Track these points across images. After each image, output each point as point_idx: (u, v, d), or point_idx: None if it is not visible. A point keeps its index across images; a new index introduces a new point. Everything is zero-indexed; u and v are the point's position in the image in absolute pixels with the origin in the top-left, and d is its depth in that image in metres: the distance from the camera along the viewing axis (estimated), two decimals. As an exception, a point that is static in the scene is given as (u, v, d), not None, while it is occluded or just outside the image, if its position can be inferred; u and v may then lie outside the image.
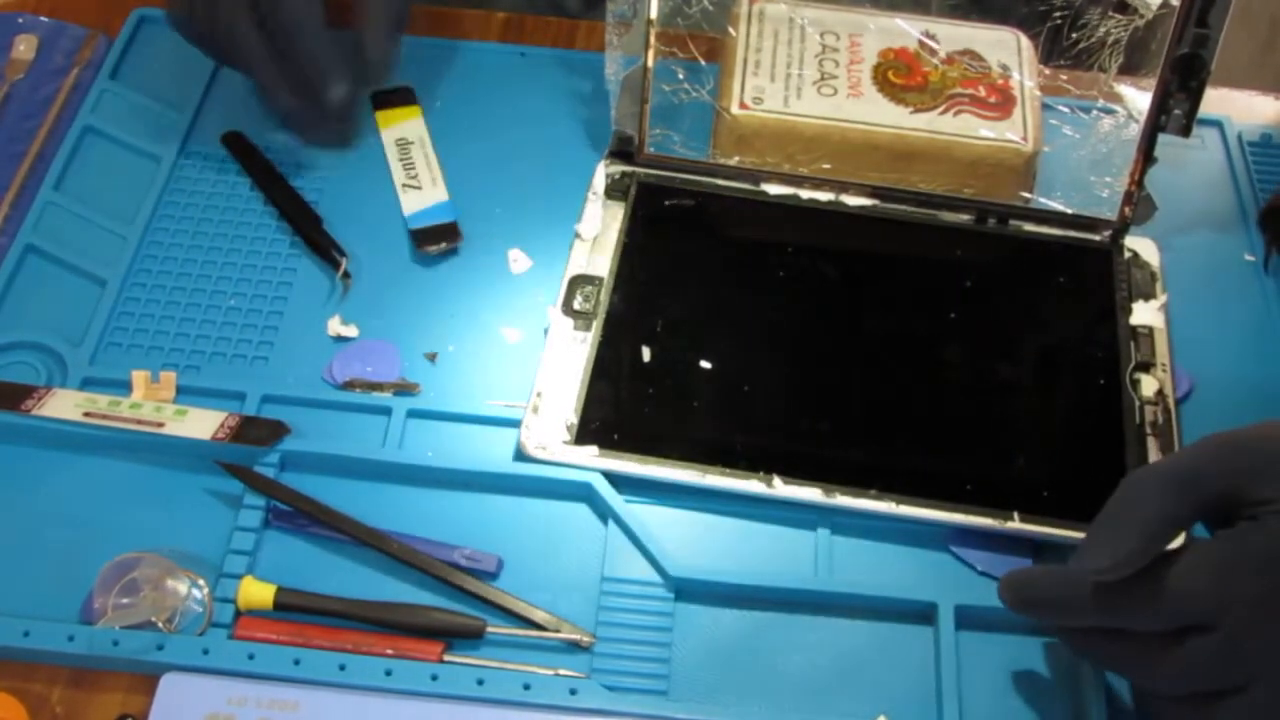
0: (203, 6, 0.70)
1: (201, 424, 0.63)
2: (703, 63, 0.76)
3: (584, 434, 0.64)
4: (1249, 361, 0.69)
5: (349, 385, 0.67)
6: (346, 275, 0.70)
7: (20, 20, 0.82)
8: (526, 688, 0.57)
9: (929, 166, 0.73)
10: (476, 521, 0.63)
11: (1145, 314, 0.69)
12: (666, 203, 0.73)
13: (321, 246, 0.71)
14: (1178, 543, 0.52)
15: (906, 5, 0.78)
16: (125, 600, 0.59)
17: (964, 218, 0.73)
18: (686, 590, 0.61)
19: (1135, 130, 0.70)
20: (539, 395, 0.65)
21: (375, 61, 0.72)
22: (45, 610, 0.59)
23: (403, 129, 0.78)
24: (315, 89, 0.71)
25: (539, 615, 0.59)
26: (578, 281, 0.69)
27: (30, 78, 0.79)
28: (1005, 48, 0.76)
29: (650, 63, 0.71)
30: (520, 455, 0.63)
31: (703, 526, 0.63)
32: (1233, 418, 0.66)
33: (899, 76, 0.75)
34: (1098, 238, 0.72)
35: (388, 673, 0.57)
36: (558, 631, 0.59)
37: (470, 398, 0.66)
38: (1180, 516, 0.51)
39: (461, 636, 0.59)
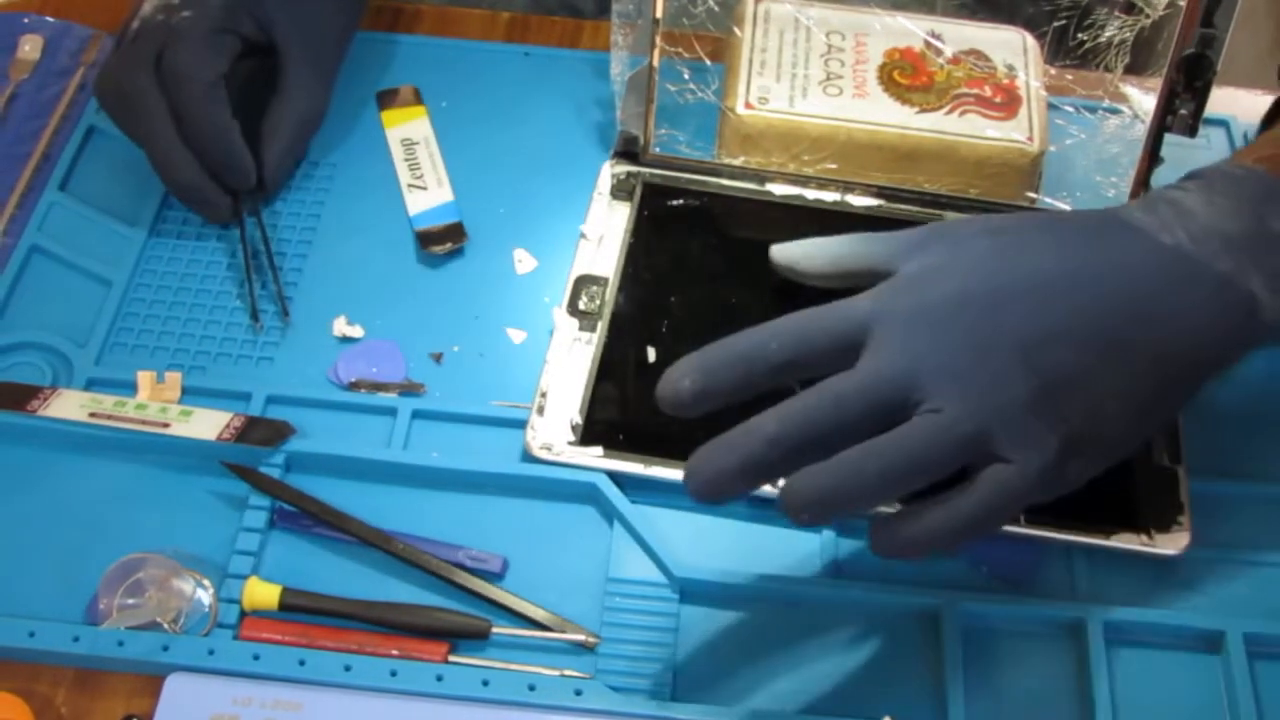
0: (114, 71, 0.70)
1: (207, 424, 0.63)
2: (708, 62, 0.76)
3: (589, 434, 0.64)
4: (1248, 361, 0.69)
5: (354, 386, 0.67)
6: (256, 318, 0.69)
7: (25, 20, 0.82)
8: (531, 688, 0.57)
9: (934, 167, 0.73)
10: (481, 522, 0.63)
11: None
12: (672, 203, 0.73)
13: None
14: None
15: (912, 5, 0.78)
16: (130, 601, 0.59)
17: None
18: (691, 591, 0.61)
19: (1141, 130, 0.70)
20: (544, 396, 0.65)
21: (268, 179, 0.72)
22: (50, 611, 0.59)
23: (408, 129, 0.78)
24: (210, 173, 0.70)
25: (544, 616, 0.59)
26: (583, 282, 0.69)
27: (35, 78, 0.80)
28: (1011, 48, 0.76)
29: (655, 62, 0.71)
30: (525, 456, 0.63)
31: (707, 527, 0.63)
32: (1232, 417, 0.67)
33: (904, 76, 0.74)
34: (1103, 238, 0.72)
35: (393, 673, 0.57)
36: (563, 632, 0.59)
37: (475, 398, 0.66)
38: None
39: (466, 637, 0.59)
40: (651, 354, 0.67)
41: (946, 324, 0.54)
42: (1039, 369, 0.54)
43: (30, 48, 0.81)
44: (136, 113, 0.69)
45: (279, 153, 0.72)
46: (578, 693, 0.57)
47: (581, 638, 0.59)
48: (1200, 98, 0.68)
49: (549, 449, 0.63)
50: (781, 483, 0.53)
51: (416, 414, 0.66)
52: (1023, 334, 0.54)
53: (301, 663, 0.57)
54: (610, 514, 0.62)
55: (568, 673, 0.58)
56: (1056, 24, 0.74)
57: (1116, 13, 0.71)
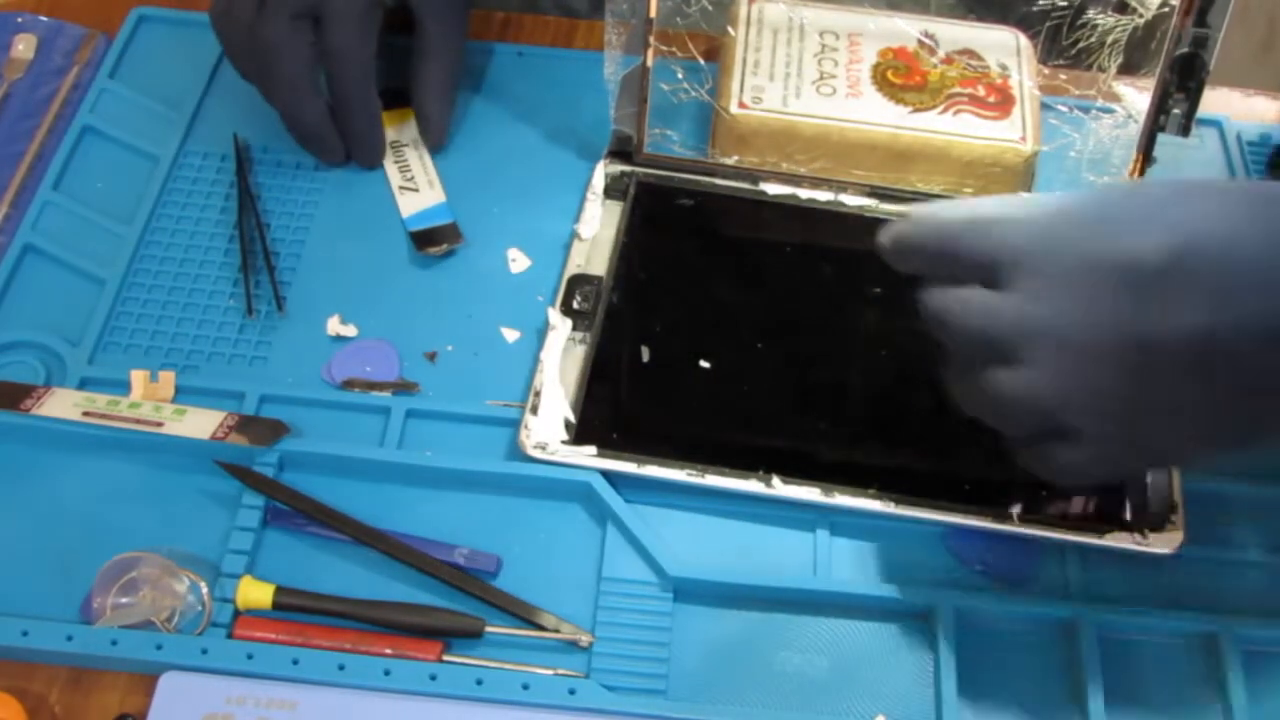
0: (245, 12, 0.71)
1: (200, 423, 0.63)
2: (702, 62, 0.76)
3: (582, 434, 0.64)
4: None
5: (348, 385, 0.67)
6: (251, 310, 0.69)
7: (19, 20, 0.82)
8: (525, 687, 0.57)
9: (928, 166, 0.73)
10: (475, 521, 0.63)
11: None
12: (665, 202, 0.73)
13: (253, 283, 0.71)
14: None
15: (906, 5, 0.78)
16: (124, 600, 0.59)
17: (963, 217, 0.73)
18: (685, 590, 0.61)
19: (1134, 130, 0.70)
20: (537, 395, 0.65)
21: (436, 134, 0.77)
22: (44, 610, 0.59)
23: (397, 131, 0.77)
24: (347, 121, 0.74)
25: (538, 615, 0.59)
26: (576, 281, 0.69)
27: (29, 77, 0.79)
28: (1004, 47, 0.76)
29: (649, 62, 0.71)
30: (519, 455, 0.63)
31: (701, 526, 0.63)
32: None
33: (898, 76, 0.75)
34: (1097, 237, 0.72)
35: (386, 672, 0.57)
36: (557, 631, 0.59)
37: (469, 397, 0.66)
38: None
39: (460, 636, 0.59)
40: (645, 353, 0.67)
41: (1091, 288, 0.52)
42: (1223, 366, 0.50)
43: (24, 47, 0.81)
44: (273, 58, 0.71)
45: (440, 112, 0.76)
46: (572, 692, 0.57)
47: (576, 637, 0.59)
48: (1193, 97, 0.68)
49: (543, 448, 0.63)
50: None
51: (410, 413, 0.66)
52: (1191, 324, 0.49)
53: (295, 662, 0.57)
54: (604, 513, 0.62)
55: (562, 672, 0.58)
56: (1050, 24, 0.74)
57: (1110, 12, 0.71)
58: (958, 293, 0.55)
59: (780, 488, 0.62)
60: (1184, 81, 0.67)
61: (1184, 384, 0.50)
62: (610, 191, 0.73)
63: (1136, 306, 0.50)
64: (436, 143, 0.77)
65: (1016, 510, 0.61)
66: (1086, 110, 0.74)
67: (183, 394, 0.66)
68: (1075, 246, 0.52)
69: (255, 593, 0.59)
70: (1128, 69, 0.72)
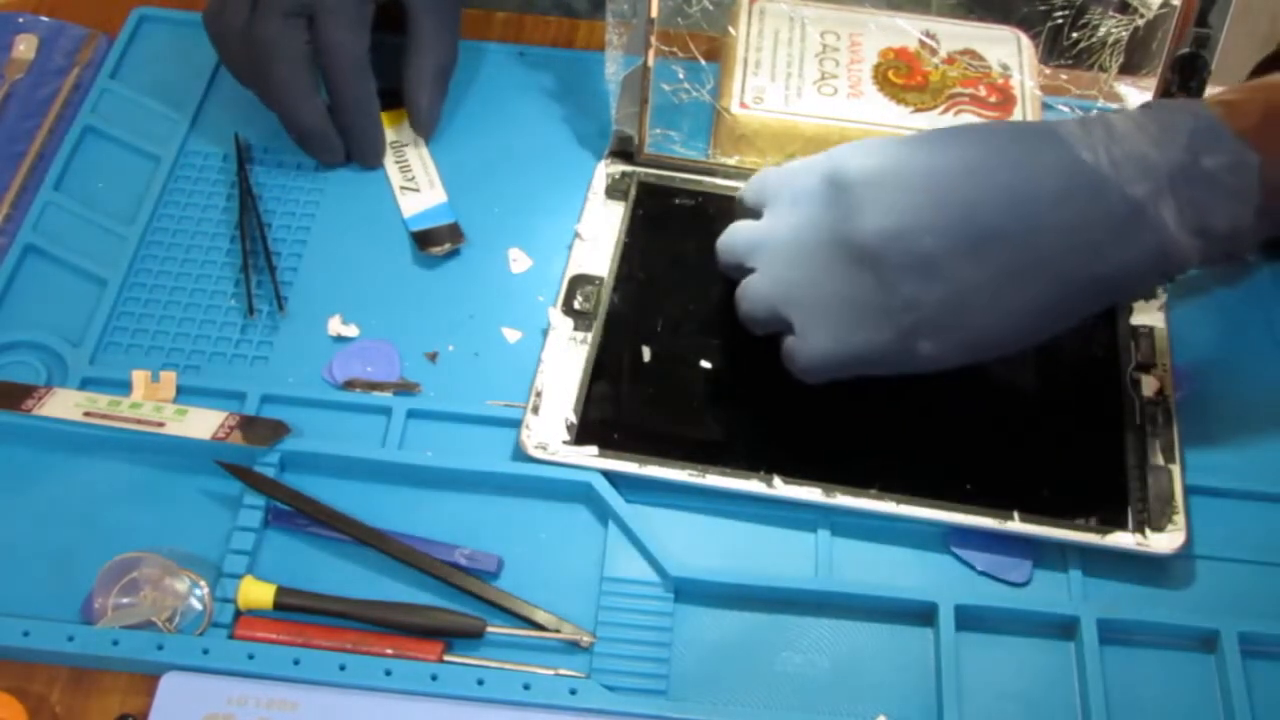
0: (236, 13, 0.72)
1: (202, 424, 0.63)
2: (703, 62, 0.76)
3: (584, 434, 0.64)
4: (1249, 361, 0.69)
5: (349, 385, 0.67)
6: (252, 310, 0.69)
7: (20, 20, 0.82)
8: (526, 688, 0.57)
9: (929, 166, 0.73)
10: (476, 521, 0.63)
11: (1146, 314, 0.69)
12: (666, 202, 0.73)
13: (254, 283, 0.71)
14: None
15: (907, 4, 0.78)
16: (125, 600, 0.59)
17: (964, 217, 0.73)
18: (686, 590, 0.61)
19: (1135, 130, 0.70)
20: (539, 395, 0.65)
21: (424, 128, 0.77)
22: (45, 610, 0.59)
23: (397, 131, 0.77)
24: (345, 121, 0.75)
25: (539, 615, 0.59)
26: (578, 281, 0.69)
27: (30, 77, 0.79)
28: (1006, 47, 0.76)
29: (650, 62, 0.71)
30: (520, 455, 0.63)
31: (703, 526, 0.63)
32: (1233, 418, 0.67)
33: (899, 76, 0.75)
34: (1098, 237, 0.72)
35: (387, 673, 0.57)
36: (558, 631, 0.59)
37: (470, 397, 0.66)
38: None
39: (461, 636, 0.59)
40: (646, 353, 0.67)
41: (807, 199, 0.62)
42: (883, 258, 0.58)
43: (25, 47, 0.81)
44: (268, 58, 0.71)
45: (430, 103, 0.76)
46: (573, 692, 0.57)
47: (576, 637, 0.59)
48: (1195, 97, 0.68)
49: (544, 448, 0.63)
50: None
51: (411, 413, 0.66)
52: (876, 224, 0.59)
53: (296, 662, 0.57)
54: (605, 513, 0.62)
55: (563, 672, 0.58)
56: (1051, 23, 0.74)
57: (1111, 12, 0.71)
58: (730, 226, 0.66)
59: (781, 488, 0.62)
60: (1185, 81, 0.67)
61: (863, 277, 0.59)
62: (611, 192, 0.73)
63: (835, 213, 0.60)
64: (426, 133, 0.77)
65: (1017, 510, 0.61)
66: (1088, 110, 0.74)
67: (184, 394, 0.66)
68: (804, 176, 0.63)
69: (256, 593, 0.59)
70: (1128, 69, 0.72)
